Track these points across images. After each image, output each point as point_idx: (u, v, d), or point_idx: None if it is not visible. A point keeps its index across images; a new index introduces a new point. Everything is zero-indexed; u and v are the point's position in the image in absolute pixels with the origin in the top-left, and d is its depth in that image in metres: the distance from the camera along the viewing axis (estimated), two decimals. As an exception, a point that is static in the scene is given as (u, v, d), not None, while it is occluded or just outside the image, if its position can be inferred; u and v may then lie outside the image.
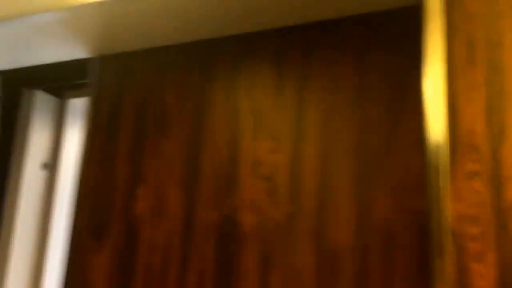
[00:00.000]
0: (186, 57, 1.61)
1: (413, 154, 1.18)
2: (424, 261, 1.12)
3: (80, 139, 2.17)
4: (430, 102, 1.01)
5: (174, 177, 1.51)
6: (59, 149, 2.13)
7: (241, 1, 1.35)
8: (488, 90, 0.97)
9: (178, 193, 1.49)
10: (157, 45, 1.67)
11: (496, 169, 0.94)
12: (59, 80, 2.01)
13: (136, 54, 1.73)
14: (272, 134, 1.38)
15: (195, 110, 1.53)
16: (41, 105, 2.11)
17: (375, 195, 1.21)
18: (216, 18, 1.45)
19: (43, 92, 2.12)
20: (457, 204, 0.96)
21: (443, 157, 0.98)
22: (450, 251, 0.95)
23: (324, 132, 1.32)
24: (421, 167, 1.15)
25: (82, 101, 2.18)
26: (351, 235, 1.21)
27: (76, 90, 2.14)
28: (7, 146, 2.06)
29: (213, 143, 1.47)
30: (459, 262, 0.94)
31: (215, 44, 1.56)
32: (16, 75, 2.09)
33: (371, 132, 1.26)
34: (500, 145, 0.95)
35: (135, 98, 1.68)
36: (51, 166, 2.12)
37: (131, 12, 1.45)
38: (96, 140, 1.72)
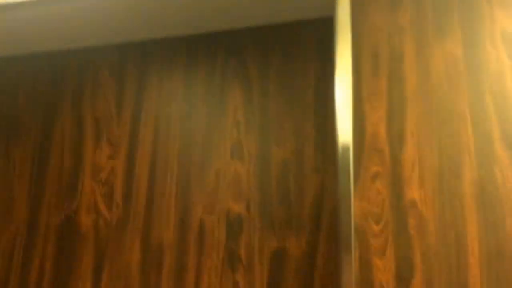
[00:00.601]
0: (37, 67, 1.67)
1: (228, 162, 1.36)
2: (230, 255, 1.29)
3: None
4: (339, 108, 1.08)
5: (22, 182, 1.58)
6: None
7: (85, 18, 1.45)
8: (390, 98, 1.06)
9: (24, 197, 1.56)
10: (10, 54, 1.72)
11: (396, 170, 1.02)
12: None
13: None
14: (111, 142, 1.50)
15: (44, 117, 1.62)
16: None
17: (193, 198, 1.37)
18: (63, 32, 1.54)
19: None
20: (362, 203, 1.03)
21: (350, 160, 1.05)
22: (355, 247, 1.02)
23: (155, 140, 1.46)
24: (239, 174, 1.34)
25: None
26: (172, 234, 1.36)
27: None
28: None
29: (59, 149, 1.56)
30: (362, 257, 1.01)
31: (63, 56, 1.64)
32: None
33: (193, 142, 1.42)
34: (400, 149, 1.03)
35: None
36: None
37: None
38: None
